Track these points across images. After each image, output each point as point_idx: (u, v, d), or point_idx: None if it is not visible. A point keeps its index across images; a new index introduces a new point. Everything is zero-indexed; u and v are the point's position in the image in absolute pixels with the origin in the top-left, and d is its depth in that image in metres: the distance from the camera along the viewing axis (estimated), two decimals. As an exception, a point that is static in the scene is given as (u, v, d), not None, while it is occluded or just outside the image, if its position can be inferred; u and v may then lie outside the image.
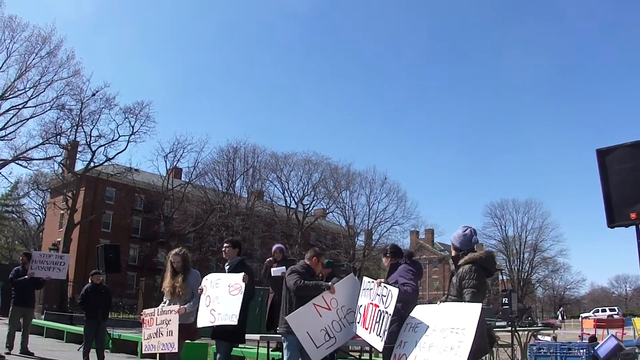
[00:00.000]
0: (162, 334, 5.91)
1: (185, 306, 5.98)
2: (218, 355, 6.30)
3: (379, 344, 4.79)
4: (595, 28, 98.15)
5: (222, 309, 5.87)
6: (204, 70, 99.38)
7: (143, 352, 6.19)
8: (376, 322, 4.89)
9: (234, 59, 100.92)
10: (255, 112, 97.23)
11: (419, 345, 4.46)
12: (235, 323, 5.69)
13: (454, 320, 4.23)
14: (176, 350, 5.79)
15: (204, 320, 6.04)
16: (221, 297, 5.94)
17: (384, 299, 4.87)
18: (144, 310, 6.38)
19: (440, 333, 4.30)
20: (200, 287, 6.19)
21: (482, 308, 4.18)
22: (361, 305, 5.22)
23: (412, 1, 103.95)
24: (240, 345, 7.31)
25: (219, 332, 6.12)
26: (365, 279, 5.40)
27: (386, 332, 4.72)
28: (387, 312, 4.77)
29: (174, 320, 5.87)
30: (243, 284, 5.85)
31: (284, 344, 5.63)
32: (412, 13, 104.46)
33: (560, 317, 36.96)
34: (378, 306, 4.91)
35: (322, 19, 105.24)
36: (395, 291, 4.79)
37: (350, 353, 7.95)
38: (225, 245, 6.61)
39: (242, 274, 5.98)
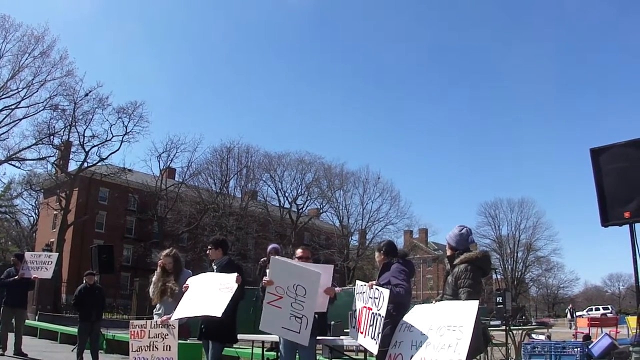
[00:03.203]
0: (157, 348, 5.67)
1: (172, 315, 5.79)
2: (209, 356, 6.01)
3: (373, 347, 4.72)
4: (595, 30, 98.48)
5: (206, 302, 5.64)
6: (197, 70, 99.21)
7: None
8: (370, 325, 4.82)
9: (228, 58, 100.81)
10: (248, 112, 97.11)
11: (415, 344, 4.43)
12: (219, 315, 5.42)
13: (450, 318, 4.22)
14: None
15: (183, 312, 5.77)
16: (209, 293, 5.71)
17: (376, 301, 4.80)
18: (132, 322, 6.08)
19: (437, 331, 4.27)
20: (185, 286, 6.01)
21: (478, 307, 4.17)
22: (355, 310, 5.18)
23: (411, 0, 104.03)
24: (234, 346, 7.24)
25: (210, 333, 5.89)
26: (358, 282, 5.36)
27: (380, 335, 4.66)
28: (379, 315, 4.70)
29: (171, 335, 5.65)
30: (235, 285, 5.64)
31: (280, 346, 5.64)
32: (410, 13, 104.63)
33: (569, 315, 37.16)
34: (371, 309, 4.85)
35: (317, 18, 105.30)
36: (386, 292, 4.73)
37: (345, 353, 7.93)
38: (208, 248, 6.32)
39: (236, 274, 5.74)
